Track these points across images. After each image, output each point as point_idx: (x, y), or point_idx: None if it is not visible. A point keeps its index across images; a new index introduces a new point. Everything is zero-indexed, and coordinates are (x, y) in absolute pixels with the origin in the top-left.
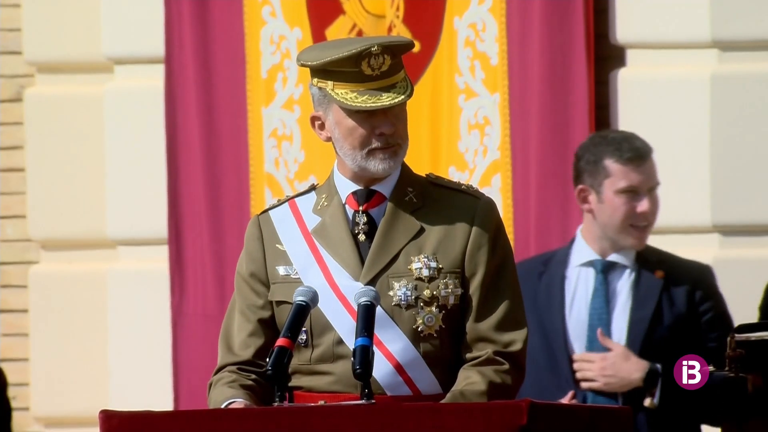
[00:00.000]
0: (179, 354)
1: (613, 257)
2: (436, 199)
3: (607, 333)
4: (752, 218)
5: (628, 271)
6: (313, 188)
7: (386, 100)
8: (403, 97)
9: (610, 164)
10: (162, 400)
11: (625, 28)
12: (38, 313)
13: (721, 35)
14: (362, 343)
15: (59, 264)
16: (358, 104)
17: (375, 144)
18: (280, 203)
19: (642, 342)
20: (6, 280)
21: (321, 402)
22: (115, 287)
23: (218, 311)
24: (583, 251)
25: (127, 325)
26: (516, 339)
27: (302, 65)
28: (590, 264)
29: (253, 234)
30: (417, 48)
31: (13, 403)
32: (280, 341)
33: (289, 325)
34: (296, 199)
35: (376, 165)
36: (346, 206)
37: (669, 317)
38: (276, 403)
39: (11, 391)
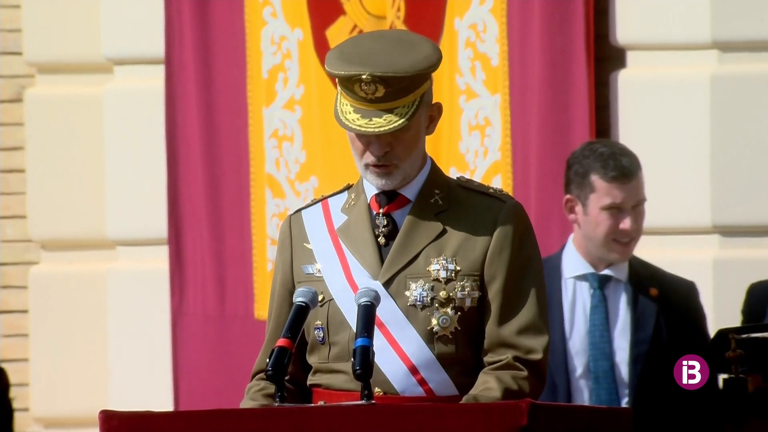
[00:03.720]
0: (179, 354)
1: (607, 271)
2: (463, 202)
3: (609, 352)
4: (752, 219)
5: (623, 286)
6: (347, 187)
7: (371, 126)
8: (393, 126)
9: (596, 180)
10: (162, 401)
11: (625, 29)
12: (38, 313)
13: (721, 36)
14: (362, 344)
15: (59, 264)
16: (346, 122)
17: (369, 159)
18: (314, 203)
19: (643, 363)
20: (6, 280)
21: (321, 402)
22: (115, 288)
23: (218, 312)
24: (575, 262)
25: (126, 325)
26: (536, 347)
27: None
28: (584, 278)
29: (285, 233)
30: None
31: (13, 404)
32: (280, 342)
33: (288, 326)
34: (329, 199)
35: (371, 179)
36: (370, 207)
37: (666, 338)
38: (276, 404)
39: (11, 392)
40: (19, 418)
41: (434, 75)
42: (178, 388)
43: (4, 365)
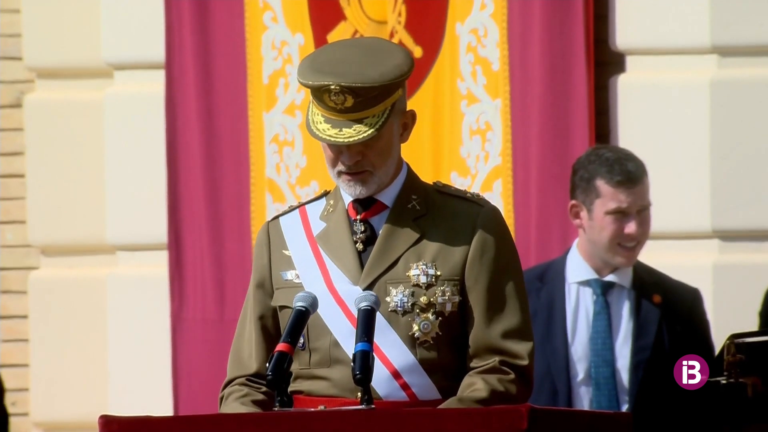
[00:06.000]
0: (179, 359)
1: (610, 278)
2: (440, 207)
3: (611, 359)
4: (752, 223)
5: (626, 292)
6: (325, 194)
7: (341, 137)
8: (362, 136)
9: (601, 185)
10: (161, 405)
11: (624, 33)
12: (38, 318)
13: (720, 41)
14: (362, 348)
15: (59, 269)
16: (317, 132)
17: (341, 167)
18: (291, 209)
19: (644, 370)
20: (6, 285)
21: (321, 407)
22: (115, 292)
23: (218, 316)
24: (579, 267)
25: (126, 330)
26: (522, 352)
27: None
28: (587, 283)
29: (262, 240)
30: (419, 53)
31: (13, 409)
32: (280, 346)
33: (289, 331)
34: (307, 206)
35: (344, 187)
36: (348, 213)
37: (668, 346)
38: (276, 408)
39: (11, 397)
40: (19, 423)
41: (436, 79)
42: (178, 392)
43: (4, 370)
